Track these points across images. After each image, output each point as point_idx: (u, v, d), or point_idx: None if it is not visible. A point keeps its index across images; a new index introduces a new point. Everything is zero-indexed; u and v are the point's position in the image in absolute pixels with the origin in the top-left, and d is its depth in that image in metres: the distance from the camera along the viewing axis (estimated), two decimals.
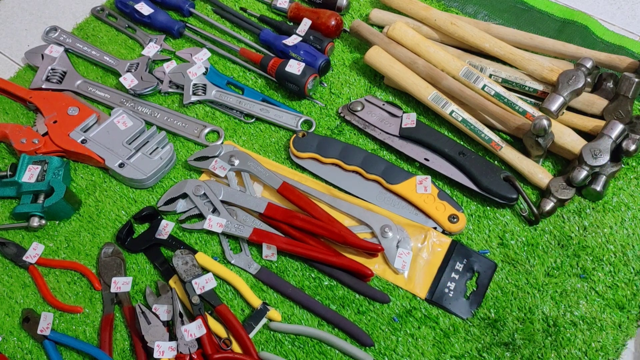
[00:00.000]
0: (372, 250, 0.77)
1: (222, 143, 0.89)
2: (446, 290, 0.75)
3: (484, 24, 0.94)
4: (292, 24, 1.00)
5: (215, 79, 0.95)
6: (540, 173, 0.81)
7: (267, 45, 0.98)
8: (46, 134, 0.88)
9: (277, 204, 0.81)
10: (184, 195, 0.82)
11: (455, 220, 0.78)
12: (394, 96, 0.93)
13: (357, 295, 0.76)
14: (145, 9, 1.01)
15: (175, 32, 1.01)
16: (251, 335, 0.73)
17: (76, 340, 0.74)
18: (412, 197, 0.81)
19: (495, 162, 0.84)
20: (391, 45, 0.92)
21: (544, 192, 0.81)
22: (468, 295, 0.75)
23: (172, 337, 0.72)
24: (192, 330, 0.71)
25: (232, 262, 0.78)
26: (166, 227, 0.81)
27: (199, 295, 0.73)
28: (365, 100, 0.90)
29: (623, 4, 1.03)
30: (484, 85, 0.85)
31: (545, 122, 0.77)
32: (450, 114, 0.85)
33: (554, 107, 0.79)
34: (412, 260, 0.77)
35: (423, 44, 0.90)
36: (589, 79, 0.83)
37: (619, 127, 0.78)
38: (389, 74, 0.90)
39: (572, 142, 0.81)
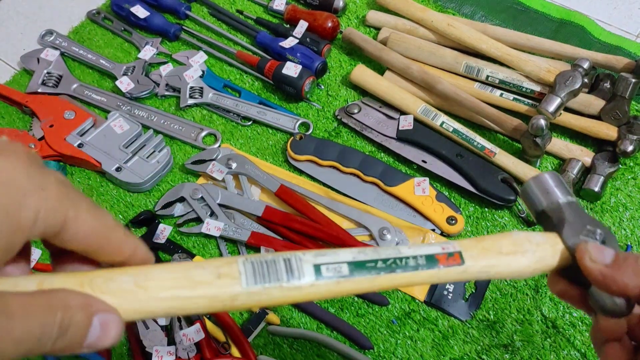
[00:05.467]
0: None
1: (219, 146, 0.89)
2: (445, 293, 0.75)
3: (480, 25, 0.94)
4: (288, 26, 1.00)
5: (211, 82, 0.95)
6: None
7: (264, 47, 0.98)
8: (42, 138, 0.88)
9: (275, 207, 0.81)
10: (182, 199, 0.82)
11: (453, 222, 0.78)
12: None
13: (355, 298, 0.76)
14: (141, 12, 1.01)
15: (171, 35, 1.00)
16: (250, 339, 0.73)
17: None
18: (410, 199, 0.81)
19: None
20: (384, 51, 0.92)
21: None
22: (467, 297, 0.75)
23: (171, 341, 0.72)
24: (191, 334, 0.70)
25: None
26: (164, 231, 0.80)
27: None
28: (362, 102, 0.90)
29: (619, 4, 1.03)
30: (487, 76, 0.87)
31: (542, 121, 0.77)
32: (441, 125, 0.85)
33: (551, 108, 0.79)
34: None
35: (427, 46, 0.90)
36: (586, 80, 0.83)
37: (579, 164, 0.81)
38: (375, 91, 0.90)
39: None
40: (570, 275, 0.35)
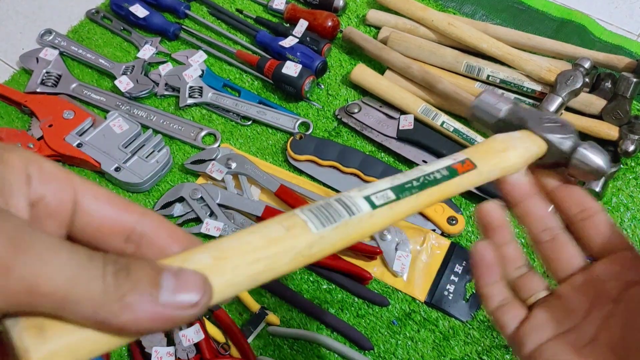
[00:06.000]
0: (370, 253, 0.76)
1: (218, 146, 0.88)
2: (445, 293, 0.74)
3: (481, 24, 0.94)
4: (288, 25, 1.00)
5: (211, 82, 0.94)
6: None
7: (264, 47, 0.98)
8: (41, 138, 0.87)
9: (274, 207, 0.80)
10: (181, 199, 0.82)
11: (454, 222, 0.78)
12: None
13: (355, 299, 0.75)
14: (140, 11, 1.00)
15: (170, 35, 1.00)
16: (250, 339, 0.72)
17: None
18: None
19: None
20: (384, 50, 0.91)
21: None
22: (467, 297, 0.74)
23: (170, 342, 0.71)
24: (190, 335, 0.70)
25: None
26: None
27: None
28: (362, 102, 0.90)
29: (621, 3, 1.03)
30: (488, 76, 0.87)
31: None
32: (442, 125, 0.85)
33: (552, 108, 0.79)
34: (411, 262, 0.76)
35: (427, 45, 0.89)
36: (587, 79, 0.83)
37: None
38: (375, 91, 0.89)
39: None
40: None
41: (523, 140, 0.37)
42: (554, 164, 0.39)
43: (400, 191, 0.29)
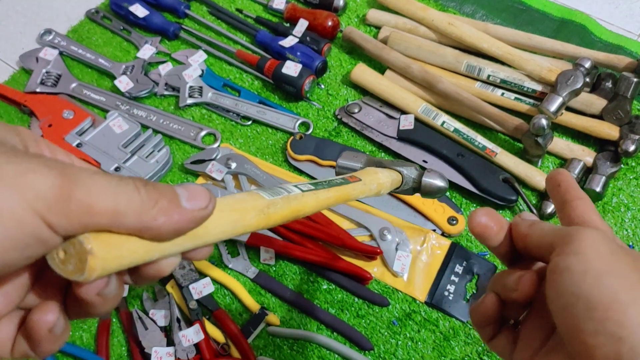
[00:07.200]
0: (370, 253, 0.76)
1: (218, 146, 0.88)
2: (446, 293, 0.74)
3: (482, 24, 0.93)
4: (288, 25, 1.00)
5: (211, 81, 0.94)
6: (538, 176, 0.80)
7: (264, 46, 0.98)
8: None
9: None
10: None
11: (454, 222, 0.78)
12: None
13: (356, 299, 0.75)
14: (140, 11, 1.00)
15: (170, 34, 1.00)
16: (249, 340, 0.72)
17: (73, 346, 0.73)
18: (411, 199, 0.80)
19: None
20: (384, 50, 0.91)
21: (543, 194, 0.80)
22: (468, 297, 0.74)
23: (170, 342, 0.71)
24: (190, 335, 0.70)
25: (230, 266, 0.78)
26: None
27: (197, 300, 0.73)
28: (362, 101, 0.90)
29: (621, 3, 1.03)
30: (489, 76, 0.87)
31: (543, 121, 0.76)
32: (442, 124, 0.84)
33: (552, 108, 0.79)
34: (411, 262, 0.76)
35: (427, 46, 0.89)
36: (587, 79, 0.83)
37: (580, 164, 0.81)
38: (376, 90, 0.89)
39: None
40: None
41: (387, 170, 0.51)
42: (412, 190, 0.53)
43: (316, 185, 0.41)
